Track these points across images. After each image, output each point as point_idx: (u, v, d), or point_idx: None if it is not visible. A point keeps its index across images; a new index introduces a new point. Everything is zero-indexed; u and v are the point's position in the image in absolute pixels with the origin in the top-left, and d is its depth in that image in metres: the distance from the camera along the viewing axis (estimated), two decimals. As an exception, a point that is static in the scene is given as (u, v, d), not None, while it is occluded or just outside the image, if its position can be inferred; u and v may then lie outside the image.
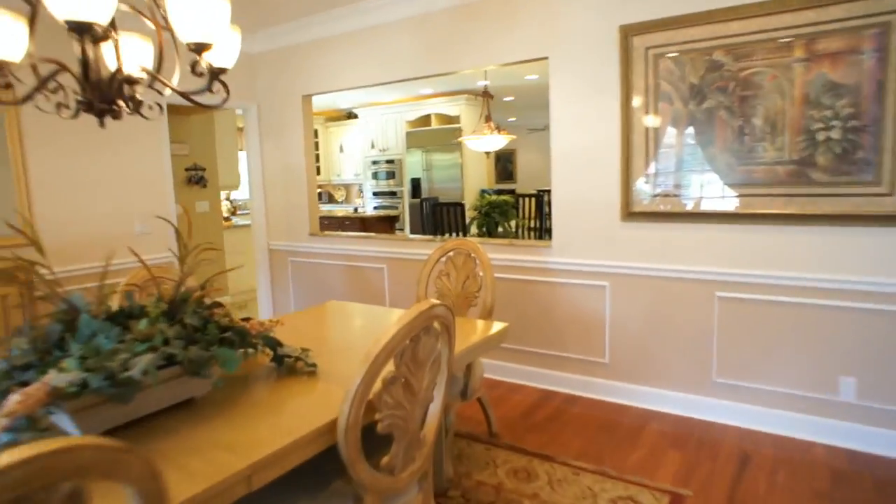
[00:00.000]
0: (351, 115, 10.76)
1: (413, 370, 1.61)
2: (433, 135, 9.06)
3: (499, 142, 5.99)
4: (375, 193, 9.99)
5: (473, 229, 6.23)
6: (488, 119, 5.86)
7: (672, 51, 3.14)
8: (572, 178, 3.50)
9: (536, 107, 9.07)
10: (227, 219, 7.78)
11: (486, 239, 4.85)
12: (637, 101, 3.24)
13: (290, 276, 5.21)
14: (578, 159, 3.46)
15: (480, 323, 2.70)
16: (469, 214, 6.26)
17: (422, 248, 4.27)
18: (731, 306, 3.11)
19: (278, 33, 4.84)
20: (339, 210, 8.87)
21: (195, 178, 6.16)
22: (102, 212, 4.17)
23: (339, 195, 11.40)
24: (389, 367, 1.52)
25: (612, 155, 3.34)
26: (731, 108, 3.02)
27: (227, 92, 1.84)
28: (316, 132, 10.91)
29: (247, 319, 1.97)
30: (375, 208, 9.99)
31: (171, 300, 1.72)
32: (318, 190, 11.35)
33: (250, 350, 1.83)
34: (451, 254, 3.20)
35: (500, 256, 3.83)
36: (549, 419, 3.36)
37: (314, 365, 1.96)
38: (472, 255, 3.10)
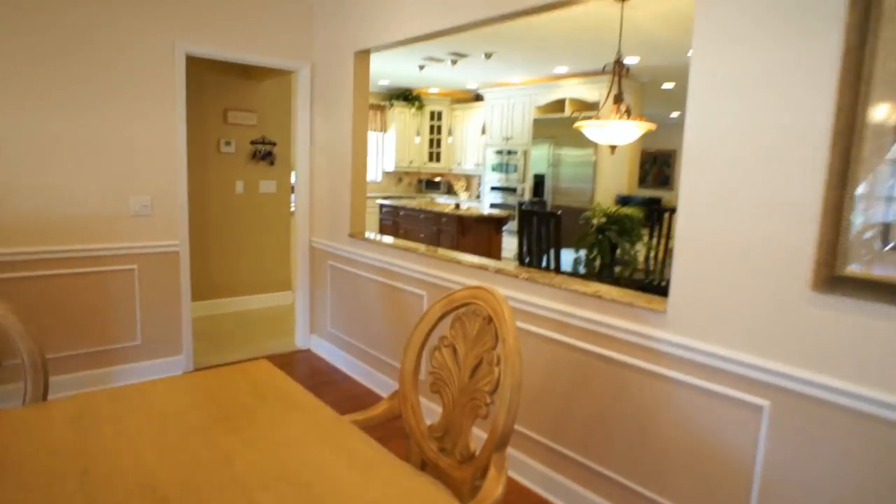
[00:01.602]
0: (479, 97, 9.49)
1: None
2: (564, 124, 7.45)
3: (628, 132, 4.29)
4: (494, 189, 8.64)
5: (571, 253, 4.63)
6: (618, 100, 4.19)
7: None
8: (717, 196, 1.86)
9: (703, 95, 7.04)
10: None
11: (562, 280, 3.30)
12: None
13: (328, 282, 4.10)
14: (733, 162, 1.82)
15: None
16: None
17: (470, 277, 2.87)
18: None
19: (335, -31, 3.69)
20: (444, 205, 7.66)
21: (262, 153, 5.31)
22: (89, 185, 3.35)
23: (460, 186, 10.23)
24: None
25: (807, 157, 1.66)
26: None
27: None
28: (439, 114, 9.80)
29: None
30: (492, 206, 8.65)
31: None
32: (437, 179, 10.36)
33: None
34: (461, 311, 1.79)
35: (574, 312, 2.31)
36: None
37: None
38: (493, 319, 1.66)
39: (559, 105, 7.97)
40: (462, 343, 1.76)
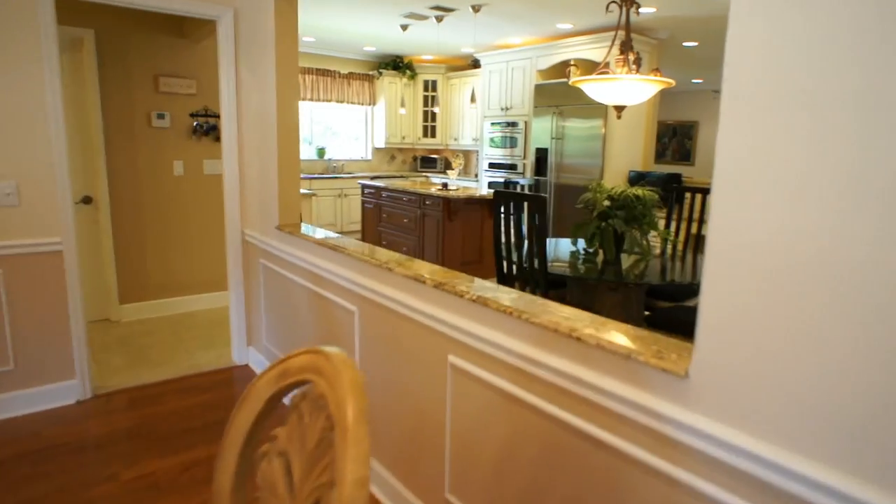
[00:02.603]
0: (477, 64, 8.53)
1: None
2: (570, 92, 6.50)
3: (639, 89, 3.35)
4: (493, 165, 7.74)
5: (568, 246, 3.76)
6: (625, 49, 3.26)
7: None
8: (791, 172, 0.98)
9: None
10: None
11: (526, 305, 2.49)
12: None
13: (261, 284, 3.29)
14: (798, 125, 0.93)
15: None
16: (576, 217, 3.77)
17: (404, 291, 2.03)
18: None
19: None
20: (431, 185, 6.80)
21: (205, 127, 4.49)
22: (-76, 165, 2.56)
23: (457, 163, 9.32)
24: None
25: None
26: None
27: None
28: (433, 84, 8.87)
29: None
30: (490, 185, 7.75)
31: None
32: (434, 156, 9.46)
33: None
34: (295, 394, 0.96)
35: (543, 359, 1.47)
36: None
37: None
38: (333, 409, 0.83)
39: (563, 69, 7.00)
40: (298, 455, 0.94)
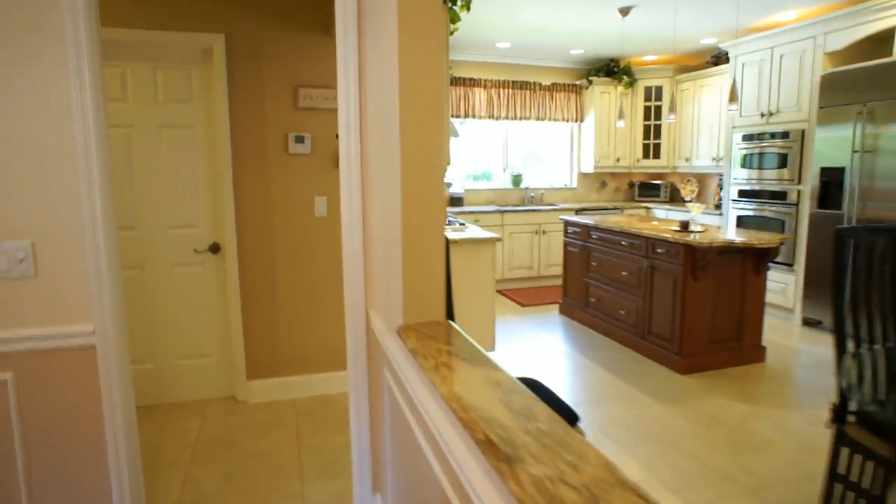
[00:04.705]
0: (719, 61, 6.48)
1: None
2: (891, 75, 4.21)
3: None
4: (743, 193, 5.61)
5: None
6: None
7: None
8: None
9: None
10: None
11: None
12: None
13: (385, 406, 1.93)
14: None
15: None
16: None
17: None
18: None
19: None
20: (663, 223, 4.98)
21: (356, 152, 3.40)
22: None
23: (689, 192, 7.24)
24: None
25: None
26: None
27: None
28: (658, 91, 7.04)
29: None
30: (740, 221, 5.63)
31: None
32: (656, 182, 7.50)
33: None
34: None
35: None
36: None
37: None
38: None
39: (877, 44, 4.68)
40: None
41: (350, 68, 2.03)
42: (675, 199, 7.48)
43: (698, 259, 3.73)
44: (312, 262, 3.44)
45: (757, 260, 3.95)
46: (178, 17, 3.05)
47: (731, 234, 3.94)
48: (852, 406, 2.06)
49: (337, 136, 3.36)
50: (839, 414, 2.06)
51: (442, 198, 1.53)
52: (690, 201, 7.25)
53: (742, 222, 5.64)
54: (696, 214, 4.48)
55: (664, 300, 4.00)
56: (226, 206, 3.23)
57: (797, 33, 4.98)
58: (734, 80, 4.44)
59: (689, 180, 7.45)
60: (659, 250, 4.03)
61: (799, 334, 4.80)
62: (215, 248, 3.31)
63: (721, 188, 6.53)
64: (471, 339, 1.37)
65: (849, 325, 2.10)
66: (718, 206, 6.47)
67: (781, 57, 5.17)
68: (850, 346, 2.13)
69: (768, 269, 4.01)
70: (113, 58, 3.03)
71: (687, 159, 6.90)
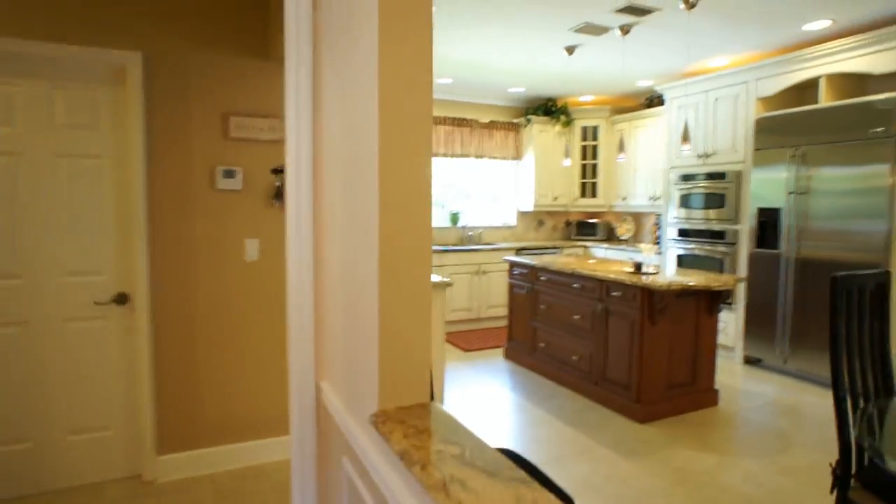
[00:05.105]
0: (653, 102, 6.63)
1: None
2: (822, 121, 4.35)
3: None
4: (683, 233, 5.65)
5: None
6: None
7: None
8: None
9: None
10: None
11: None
12: None
13: (345, 499, 1.56)
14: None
15: None
16: None
17: None
18: None
19: None
20: (614, 263, 4.87)
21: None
22: None
23: (625, 231, 7.31)
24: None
25: None
26: None
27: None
28: (594, 131, 7.12)
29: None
30: (680, 261, 5.65)
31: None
32: (593, 220, 7.50)
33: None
34: None
35: None
36: None
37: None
38: None
39: (805, 91, 4.88)
40: None
41: (302, 94, 1.70)
42: (611, 237, 7.51)
43: (656, 302, 3.59)
44: (240, 313, 3.00)
45: (710, 301, 3.88)
46: (85, 28, 2.61)
47: (679, 276, 3.85)
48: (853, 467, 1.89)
49: (274, 171, 3.00)
50: (843, 478, 1.88)
51: (429, 241, 1.22)
52: (626, 240, 7.31)
53: (682, 262, 5.66)
54: (650, 256, 4.39)
55: (620, 345, 3.82)
56: (137, 248, 2.75)
57: (731, 78, 5.13)
58: (686, 122, 4.45)
59: (625, 219, 7.54)
60: (614, 293, 3.87)
61: (743, 373, 4.77)
62: (122, 299, 2.80)
63: (658, 227, 6.60)
64: (473, 433, 1.05)
65: (844, 377, 1.95)
66: (657, 242, 6.51)
67: (716, 100, 5.30)
68: (846, 396, 1.97)
69: (720, 310, 3.95)
70: (-2, 73, 2.53)
71: (624, 198, 6.96)
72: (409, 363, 1.22)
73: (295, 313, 1.75)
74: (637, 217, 7.24)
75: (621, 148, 4.88)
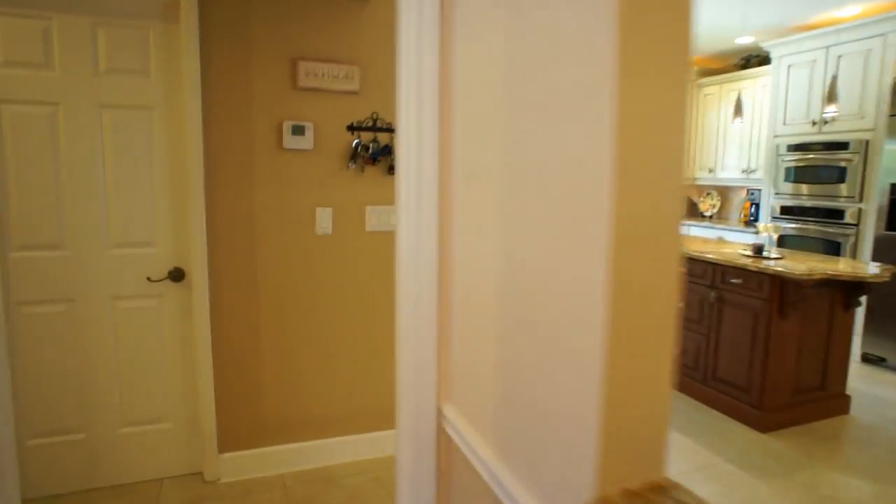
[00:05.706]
0: (750, 62, 5.87)
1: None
2: None
3: None
4: (787, 210, 4.98)
5: None
6: None
7: None
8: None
9: None
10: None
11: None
12: None
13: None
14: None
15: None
16: None
17: None
18: None
19: None
20: (731, 246, 4.27)
21: (373, 150, 2.57)
22: None
23: (708, 206, 6.64)
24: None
25: None
26: None
27: None
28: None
29: None
30: (782, 240, 4.99)
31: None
32: (670, 194, 6.76)
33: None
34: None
35: None
36: None
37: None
38: None
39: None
40: None
41: (426, 19, 1.22)
42: (692, 214, 6.85)
43: (789, 293, 3.02)
44: (311, 294, 2.59)
45: (848, 294, 3.27)
46: (132, -47, 2.18)
47: (814, 261, 3.25)
48: None
49: (350, 128, 2.54)
50: None
51: (679, 240, 0.75)
52: (710, 216, 6.63)
53: (783, 242, 5.00)
54: (765, 236, 3.78)
55: (737, 340, 3.28)
56: (194, 218, 2.35)
57: (862, 31, 4.38)
58: (739, 94, 3.77)
59: (708, 194, 6.84)
60: (732, 280, 3.31)
61: (864, 374, 4.15)
62: (178, 276, 2.42)
63: (752, 203, 5.91)
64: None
65: None
66: (748, 224, 5.84)
67: (839, 57, 4.56)
68: None
69: (859, 304, 3.34)
70: (28, 4, 2.13)
71: (710, 170, 6.28)
72: (642, 423, 0.75)
73: (409, 324, 1.29)
74: (723, 192, 6.55)
75: (738, 111, 4.23)
